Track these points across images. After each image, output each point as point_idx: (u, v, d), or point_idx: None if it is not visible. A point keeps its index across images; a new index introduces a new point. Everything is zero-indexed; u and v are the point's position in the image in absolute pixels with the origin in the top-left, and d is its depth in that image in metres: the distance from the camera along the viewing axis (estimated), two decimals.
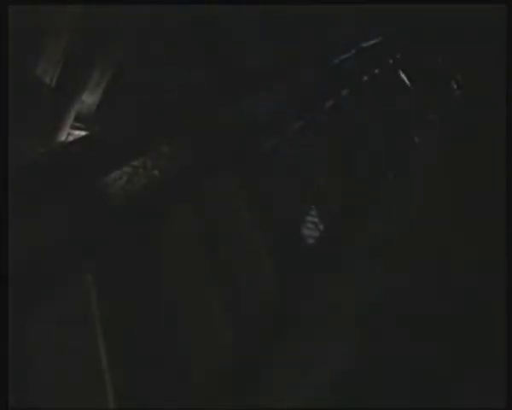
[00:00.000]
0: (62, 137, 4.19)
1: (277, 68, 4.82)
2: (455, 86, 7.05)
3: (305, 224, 4.23)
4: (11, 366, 2.13)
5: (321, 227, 4.10)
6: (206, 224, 3.32)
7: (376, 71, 5.85)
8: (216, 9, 5.06)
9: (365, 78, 5.60)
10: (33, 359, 2.41)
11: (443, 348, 3.48)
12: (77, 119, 4.23)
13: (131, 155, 3.37)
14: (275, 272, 3.39)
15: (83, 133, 4.22)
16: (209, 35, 5.18)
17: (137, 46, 4.68)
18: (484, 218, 4.60)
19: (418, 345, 3.43)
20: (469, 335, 3.61)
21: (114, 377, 2.47)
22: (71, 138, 4.18)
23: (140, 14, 4.46)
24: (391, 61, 6.39)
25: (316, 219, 4.21)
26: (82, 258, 2.56)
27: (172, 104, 4.18)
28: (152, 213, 3.03)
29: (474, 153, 5.45)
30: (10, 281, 2.15)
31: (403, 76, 6.37)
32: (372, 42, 6.23)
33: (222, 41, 5.20)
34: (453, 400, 3.17)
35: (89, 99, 4.31)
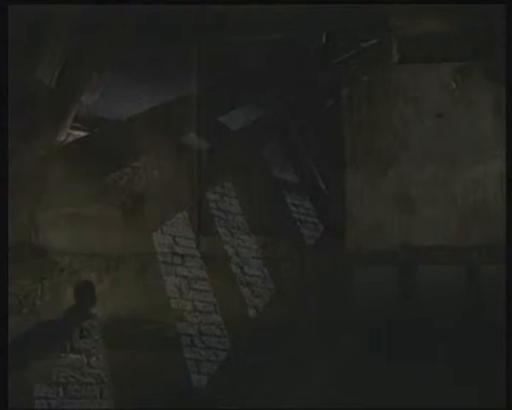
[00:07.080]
0: (62, 138, 4.18)
1: (276, 69, 4.82)
2: (453, 86, 7.05)
3: (305, 224, 4.23)
4: (11, 367, 2.13)
5: (321, 228, 4.10)
6: (206, 223, 3.31)
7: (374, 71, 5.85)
8: (215, 9, 5.06)
9: (365, 78, 5.61)
10: (33, 360, 2.41)
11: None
12: (76, 119, 4.21)
13: (132, 156, 3.37)
14: (274, 274, 3.39)
15: (83, 134, 4.21)
16: (208, 35, 5.18)
17: (136, 46, 4.68)
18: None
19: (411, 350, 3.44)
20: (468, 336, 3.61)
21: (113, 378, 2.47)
22: (71, 139, 4.17)
23: (138, 14, 4.45)
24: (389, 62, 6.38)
25: (316, 220, 4.21)
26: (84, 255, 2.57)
27: (171, 106, 4.17)
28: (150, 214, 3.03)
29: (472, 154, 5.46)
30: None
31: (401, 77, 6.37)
32: (372, 42, 6.23)
33: (221, 43, 5.20)
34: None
35: (88, 100, 4.30)
